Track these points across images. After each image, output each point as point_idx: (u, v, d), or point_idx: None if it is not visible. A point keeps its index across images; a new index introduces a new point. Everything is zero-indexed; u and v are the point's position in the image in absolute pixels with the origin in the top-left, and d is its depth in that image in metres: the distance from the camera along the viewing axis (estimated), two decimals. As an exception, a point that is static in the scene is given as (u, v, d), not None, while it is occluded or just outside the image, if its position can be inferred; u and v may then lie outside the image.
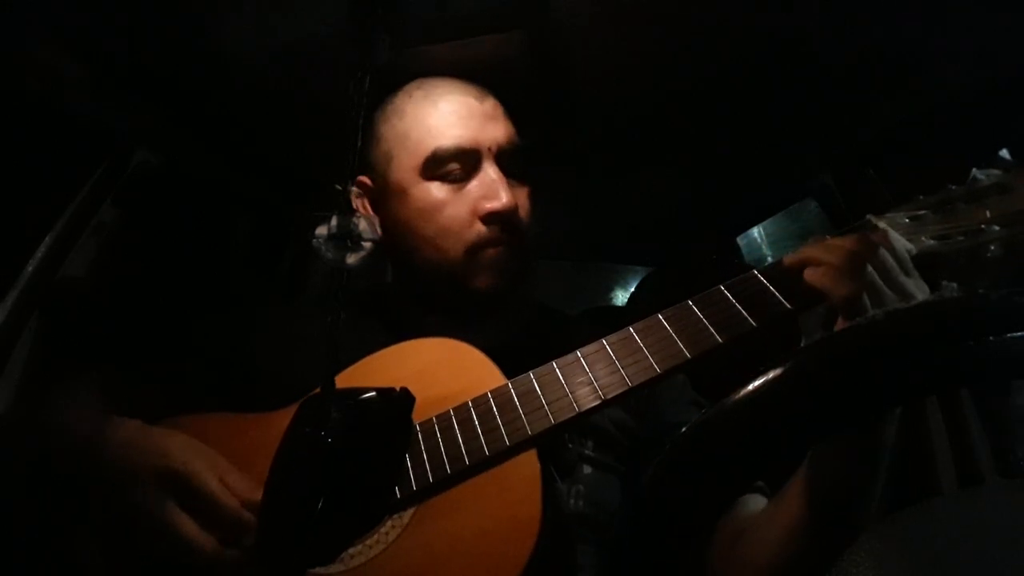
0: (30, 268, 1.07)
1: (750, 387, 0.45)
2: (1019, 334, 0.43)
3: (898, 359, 0.45)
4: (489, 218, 0.87)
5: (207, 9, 0.91)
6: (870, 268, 0.65)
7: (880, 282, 0.65)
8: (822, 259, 0.68)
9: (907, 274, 0.66)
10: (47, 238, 1.09)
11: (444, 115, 0.90)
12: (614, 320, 0.75)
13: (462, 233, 0.88)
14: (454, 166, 0.88)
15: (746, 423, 0.45)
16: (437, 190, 0.89)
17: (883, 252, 0.66)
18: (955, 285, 0.63)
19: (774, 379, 0.45)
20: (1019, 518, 0.46)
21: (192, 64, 1.02)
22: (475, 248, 0.87)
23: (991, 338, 0.43)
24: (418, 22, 0.93)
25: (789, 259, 0.71)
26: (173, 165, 1.30)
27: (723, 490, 0.48)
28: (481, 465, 0.70)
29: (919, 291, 0.65)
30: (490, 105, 0.93)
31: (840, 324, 0.70)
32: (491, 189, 0.87)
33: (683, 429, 0.48)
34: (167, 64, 1.03)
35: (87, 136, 1.15)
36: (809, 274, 0.68)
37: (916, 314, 0.47)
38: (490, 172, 0.88)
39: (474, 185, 0.89)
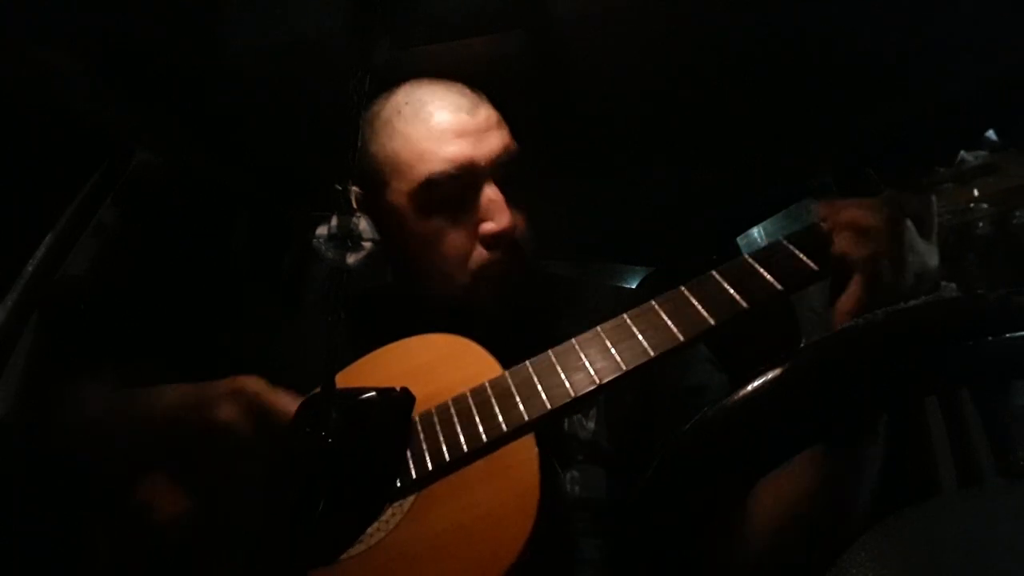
0: (30, 268, 1.07)
1: (749, 388, 0.45)
2: (1019, 334, 0.43)
3: (898, 359, 0.45)
4: (490, 240, 0.86)
5: (207, 9, 0.91)
6: (893, 235, 0.64)
7: (901, 253, 0.63)
8: (850, 224, 0.67)
9: (927, 238, 0.65)
10: (47, 238, 1.09)
11: (435, 136, 0.87)
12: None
13: (465, 260, 0.87)
14: (450, 190, 0.86)
15: (745, 423, 0.45)
16: (436, 220, 0.87)
17: (906, 219, 0.64)
18: (954, 285, 0.63)
19: (773, 379, 0.45)
20: (1019, 518, 0.46)
21: (192, 64, 1.02)
22: (480, 273, 0.87)
23: (991, 338, 0.43)
24: (418, 22, 0.93)
25: (815, 229, 0.69)
26: (173, 165, 1.30)
27: (722, 489, 0.48)
28: (479, 452, 0.70)
29: (931, 257, 0.64)
30: (483, 117, 0.89)
31: (851, 295, 0.67)
32: (489, 211, 0.86)
33: (683, 428, 0.48)
34: (167, 64, 1.03)
35: (87, 136, 1.15)
36: (840, 242, 0.66)
37: (916, 314, 0.47)
38: (488, 193, 0.86)
39: (473, 208, 0.87)
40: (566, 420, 0.87)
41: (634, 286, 2.06)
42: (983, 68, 1.02)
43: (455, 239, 0.87)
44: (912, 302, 0.54)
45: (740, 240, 1.87)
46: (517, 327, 0.91)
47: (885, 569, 0.43)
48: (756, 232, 1.88)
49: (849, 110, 1.17)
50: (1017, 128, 0.68)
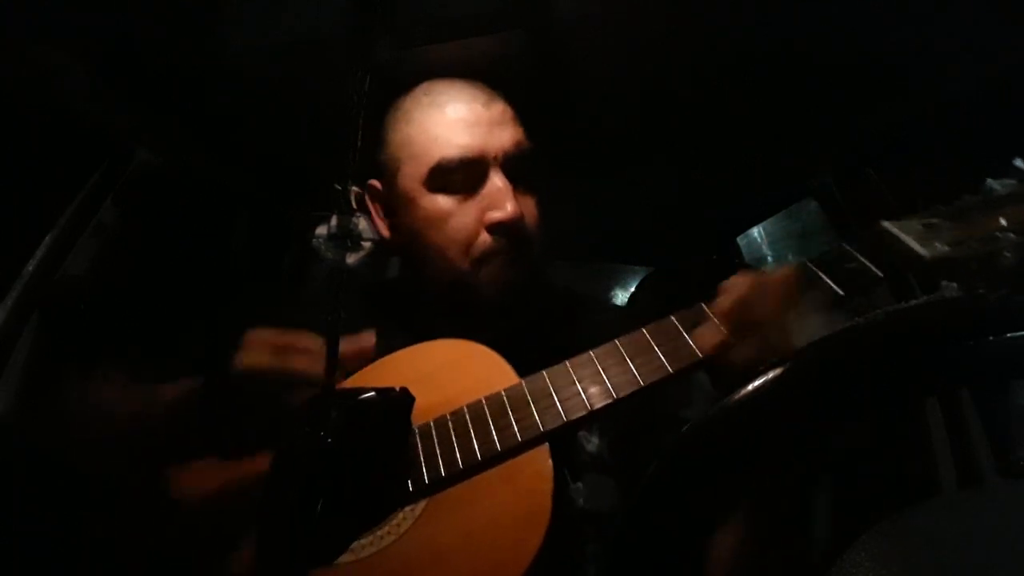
0: (30, 268, 1.07)
1: (749, 387, 0.45)
2: (1019, 334, 0.43)
3: (898, 360, 0.45)
4: (495, 228, 0.87)
5: (207, 9, 0.91)
6: (766, 315, 0.66)
7: (770, 331, 0.65)
8: (734, 305, 0.69)
9: (811, 313, 0.66)
10: (47, 238, 1.09)
11: (449, 123, 0.89)
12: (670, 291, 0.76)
13: (468, 244, 0.88)
14: (459, 176, 0.88)
15: (745, 423, 0.45)
16: (443, 201, 0.88)
17: (775, 297, 0.67)
18: (955, 285, 0.63)
19: (774, 379, 0.45)
20: (1019, 518, 0.46)
21: (192, 64, 1.02)
22: (481, 259, 0.88)
23: (991, 338, 0.43)
24: (418, 22, 0.93)
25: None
26: (173, 165, 1.30)
27: (722, 491, 0.48)
28: (493, 460, 0.70)
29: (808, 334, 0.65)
30: (498, 110, 0.91)
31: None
32: (496, 199, 0.87)
33: (683, 429, 0.48)
34: (167, 64, 1.03)
35: (87, 136, 1.15)
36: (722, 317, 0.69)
37: (916, 314, 0.47)
38: (496, 181, 0.88)
39: (480, 195, 0.88)
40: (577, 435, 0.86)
41: (634, 287, 2.07)
42: (983, 68, 1.02)
43: (460, 222, 0.88)
44: (912, 302, 0.54)
45: (740, 240, 1.87)
46: (520, 327, 0.91)
47: (885, 569, 0.43)
48: (756, 232, 1.89)
49: (849, 110, 1.17)
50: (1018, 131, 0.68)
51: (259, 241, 1.64)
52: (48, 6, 0.89)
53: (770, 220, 1.77)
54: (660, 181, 1.46)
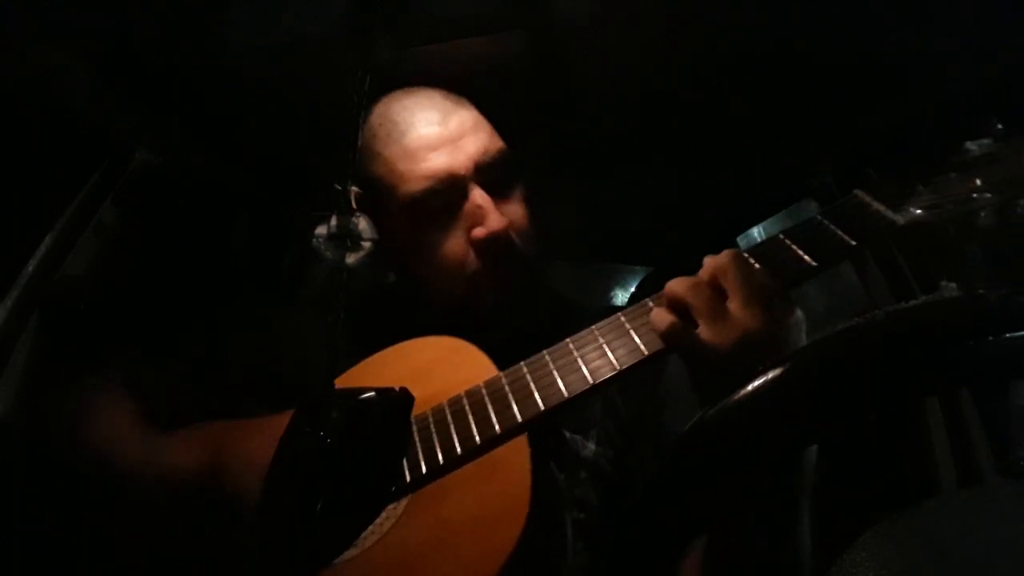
0: (30, 268, 1.07)
1: (749, 387, 0.45)
2: (1019, 334, 0.43)
3: (898, 360, 0.45)
4: (481, 245, 0.85)
5: (208, 8, 0.91)
6: (707, 308, 0.66)
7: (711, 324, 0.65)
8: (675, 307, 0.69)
9: (752, 302, 0.65)
10: (47, 238, 1.09)
11: (410, 155, 0.87)
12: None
13: (460, 267, 0.86)
14: (436, 203, 0.86)
15: (745, 423, 0.45)
16: (429, 235, 0.87)
17: (711, 288, 0.67)
18: (954, 285, 0.63)
19: (773, 379, 0.45)
20: (1019, 518, 0.46)
21: (192, 64, 1.02)
22: (476, 277, 0.86)
23: (991, 338, 0.43)
24: (418, 22, 0.93)
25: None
26: (173, 165, 1.30)
27: (721, 492, 0.48)
28: (473, 453, 0.70)
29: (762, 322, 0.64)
30: (455, 124, 0.88)
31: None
32: (477, 216, 0.85)
33: (685, 428, 0.48)
34: (167, 64, 1.03)
35: (87, 136, 1.15)
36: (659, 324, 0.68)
37: (916, 314, 0.47)
38: (475, 197, 0.85)
39: (463, 215, 0.86)
40: (568, 436, 0.86)
41: (634, 287, 2.07)
42: (983, 68, 1.02)
43: (449, 249, 0.86)
44: (912, 302, 0.54)
45: (740, 240, 1.87)
46: (520, 330, 0.90)
47: (885, 569, 0.43)
48: (756, 232, 1.88)
49: (849, 110, 1.17)
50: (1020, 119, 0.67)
51: (259, 241, 1.64)
52: (48, 6, 0.89)
53: (770, 220, 1.77)
54: (660, 181, 1.46)
